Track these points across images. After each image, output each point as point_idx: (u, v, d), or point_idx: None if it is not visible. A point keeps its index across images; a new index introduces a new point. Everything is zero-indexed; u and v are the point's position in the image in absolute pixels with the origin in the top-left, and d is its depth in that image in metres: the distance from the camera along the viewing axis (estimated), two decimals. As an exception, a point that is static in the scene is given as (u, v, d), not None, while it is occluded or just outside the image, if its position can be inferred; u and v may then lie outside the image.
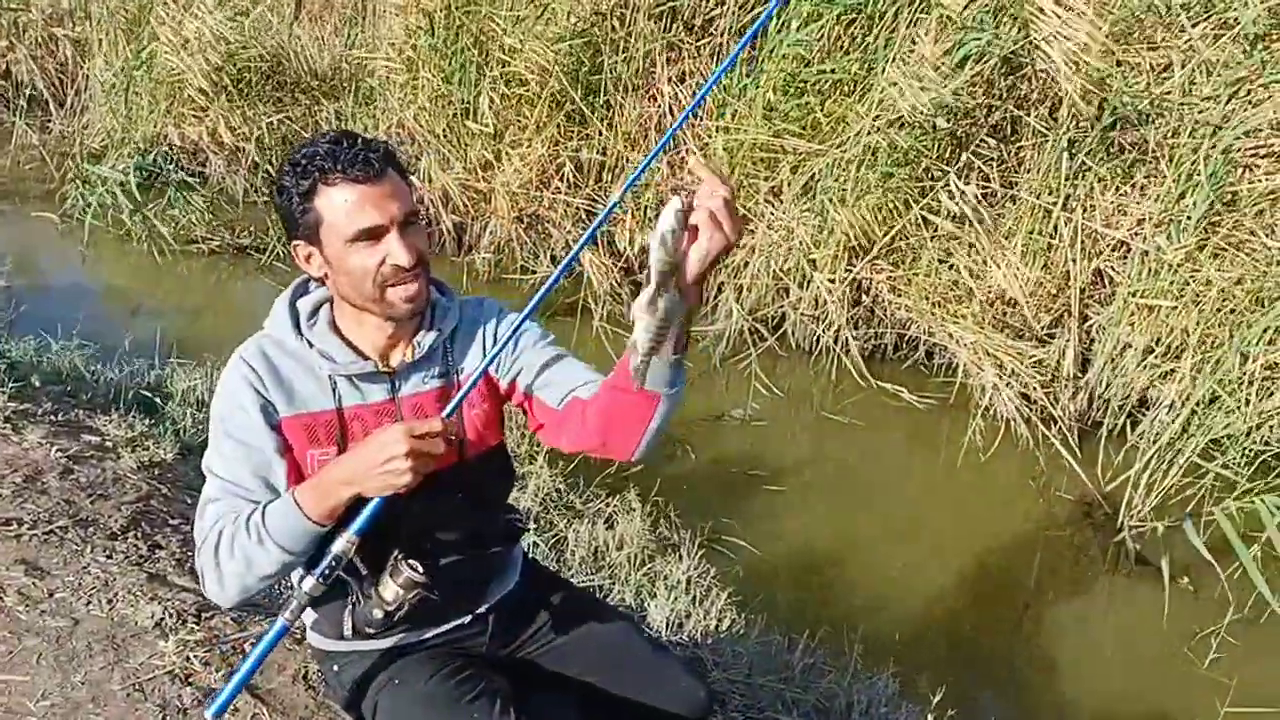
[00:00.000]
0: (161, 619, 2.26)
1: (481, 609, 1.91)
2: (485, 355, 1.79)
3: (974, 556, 4.27)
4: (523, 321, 1.75)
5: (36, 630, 2.17)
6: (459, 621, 1.89)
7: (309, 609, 1.71)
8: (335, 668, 1.86)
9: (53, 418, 3.46)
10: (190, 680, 2.07)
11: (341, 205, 1.60)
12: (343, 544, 1.58)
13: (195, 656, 2.14)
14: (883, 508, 4.63)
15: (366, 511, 1.56)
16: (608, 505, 3.83)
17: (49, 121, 8.41)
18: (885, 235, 5.50)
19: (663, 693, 1.93)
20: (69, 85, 8.52)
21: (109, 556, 2.55)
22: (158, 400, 3.97)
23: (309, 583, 1.59)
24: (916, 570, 4.15)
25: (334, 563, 1.58)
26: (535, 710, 1.83)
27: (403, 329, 1.75)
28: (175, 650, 2.14)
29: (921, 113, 5.19)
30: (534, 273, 6.36)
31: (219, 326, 5.42)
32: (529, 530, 3.45)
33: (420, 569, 1.65)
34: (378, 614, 1.67)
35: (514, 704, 1.75)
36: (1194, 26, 5.10)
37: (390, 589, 1.66)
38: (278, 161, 7.20)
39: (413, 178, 5.10)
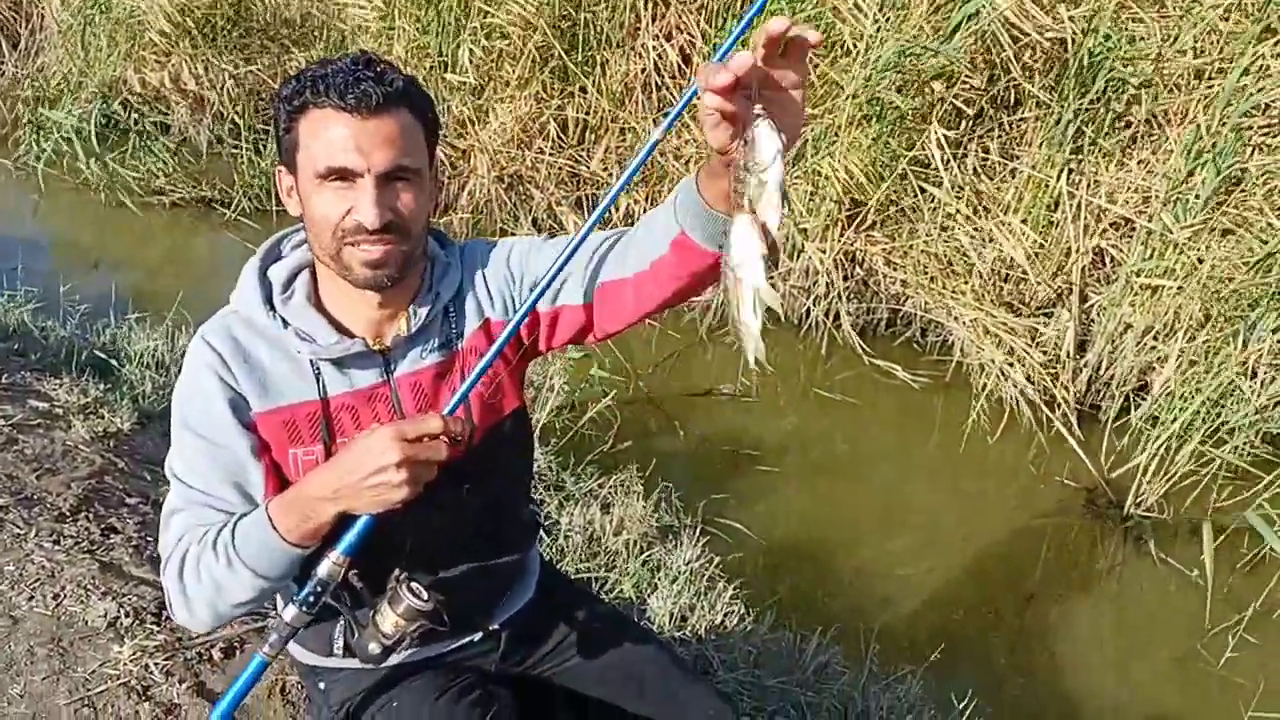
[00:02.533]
0: (116, 618, 2.00)
1: (494, 625, 1.67)
2: (482, 309, 1.52)
3: (978, 545, 4.11)
4: (544, 289, 1.41)
5: (-31, 631, 1.91)
6: (468, 639, 1.64)
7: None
8: (321, 685, 1.61)
9: (-4, 380, 3.16)
10: (149, 694, 1.81)
11: (321, 133, 1.31)
12: (329, 566, 1.31)
13: (155, 665, 1.87)
14: (882, 491, 4.44)
15: (355, 529, 1.30)
16: (601, 486, 3.58)
17: (1, 63, 7.99)
18: (877, 196, 5.28)
19: (689, 717, 1.71)
20: (23, 25, 8.09)
21: (56, 542, 2.27)
22: (113, 362, 3.66)
23: (290, 612, 1.33)
24: (921, 559, 3.97)
25: (319, 589, 1.32)
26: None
27: (395, 297, 1.44)
28: (131, 657, 1.87)
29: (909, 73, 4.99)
30: (514, 235, 6.08)
31: (179, 283, 5.09)
32: (543, 524, 3.23)
33: (424, 595, 1.37)
34: (374, 648, 1.40)
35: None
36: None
37: (389, 619, 1.38)
38: (243, 111, 6.90)
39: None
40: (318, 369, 1.42)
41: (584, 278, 1.46)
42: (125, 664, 1.86)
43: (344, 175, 1.32)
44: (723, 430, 4.56)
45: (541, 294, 1.41)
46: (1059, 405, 4.84)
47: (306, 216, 1.38)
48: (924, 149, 5.21)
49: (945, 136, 5.15)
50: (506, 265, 1.53)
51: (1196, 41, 4.91)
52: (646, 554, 3.26)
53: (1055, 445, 4.69)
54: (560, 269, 1.39)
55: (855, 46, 5.24)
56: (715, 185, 1.18)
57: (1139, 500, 4.31)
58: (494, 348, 1.37)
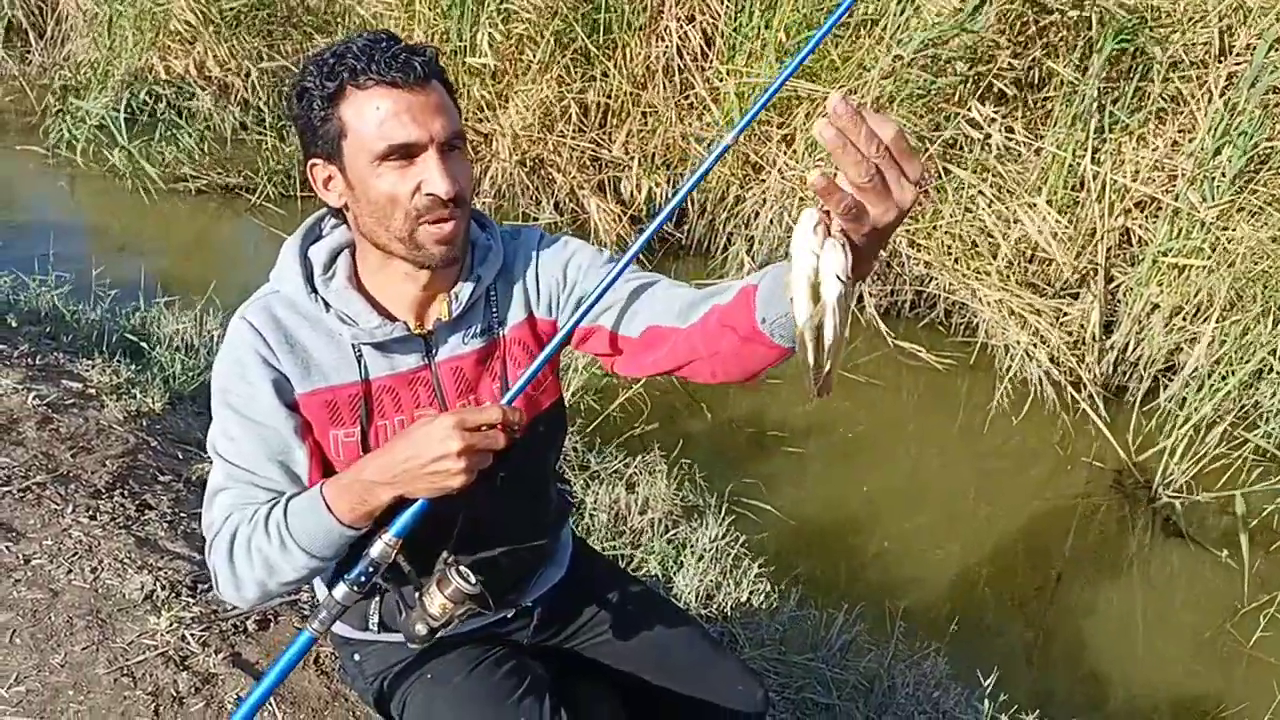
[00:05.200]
0: (152, 591, 2.02)
1: (527, 603, 1.68)
2: (529, 302, 1.51)
3: (1004, 526, 4.10)
4: (612, 282, 1.38)
5: (10, 603, 1.93)
6: (502, 615, 1.66)
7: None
8: (356, 656, 1.63)
9: (30, 361, 3.19)
10: (186, 664, 1.83)
11: (373, 114, 1.28)
12: (382, 548, 1.32)
13: (191, 635, 1.90)
14: (906, 473, 4.44)
15: (410, 513, 1.31)
16: (627, 466, 3.59)
17: (29, 52, 8.04)
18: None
19: (717, 692, 1.73)
20: (49, 14, 8.13)
21: (92, 517, 2.30)
22: (144, 345, 3.70)
23: (341, 590, 1.34)
24: (946, 539, 3.97)
25: (371, 569, 1.33)
26: (580, 703, 1.62)
27: (439, 279, 1.43)
28: (168, 628, 1.90)
29: (936, 51, 4.95)
30: (536, 219, 6.09)
31: (206, 269, 5.14)
32: (576, 504, 3.24)
33: (472, 579, 1.37)
34: (421, 629, 1.40)
35: (560, 699, 1.53)
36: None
37: (436, 601, 1.38)
38: (268, 98, 6.93)
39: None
40: (359, 351, 1.41)
41: (628, 311, 1.44)
42: (163, 635, 1.88)
43: (406, 152, 1.30)
44: (746, 412, 4.57)
45: (586, 313, 1.40)
46: (1084, 386, 4.82)
47: (365, 203, 1.35)
48: (948, 129, 5.19)
49: (971, 116, 5.12)
50: (564, 268, 1.50)
51: (1222, 18, 4.87)
52: (672, 532, 3.27)
53: (1081, 427, 4.67)
54: (610, 285, 1.38)
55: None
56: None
57: (1167, 482, 4.29)
58: (541, 356, 1.37)
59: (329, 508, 1.31)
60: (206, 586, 2.09)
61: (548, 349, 1.38)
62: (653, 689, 1.73)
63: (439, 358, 1.46)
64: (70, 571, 2.06)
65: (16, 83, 7.49)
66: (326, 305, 1.41)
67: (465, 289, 1.46)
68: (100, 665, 1.80)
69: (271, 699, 1.76)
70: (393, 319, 1.43)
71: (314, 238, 1.49)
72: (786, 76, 1.36)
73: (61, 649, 1.83)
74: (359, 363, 1.42)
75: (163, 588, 2.04)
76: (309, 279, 1.43)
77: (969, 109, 5.11)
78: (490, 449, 1.24)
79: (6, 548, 2.10)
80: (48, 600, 1.95)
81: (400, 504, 1.31)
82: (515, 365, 1.49)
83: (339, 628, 1.63)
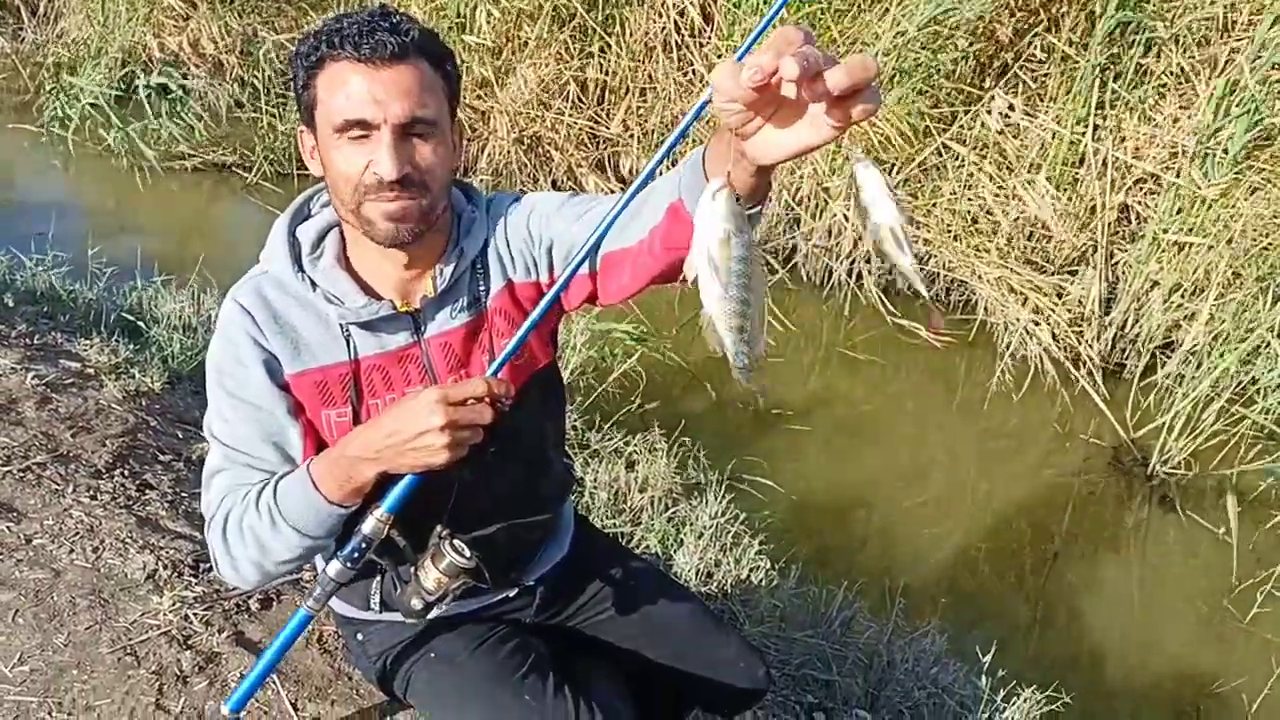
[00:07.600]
0: (154, 571, 2.02)
1: (529, 581, 1.68)
2: (506, 269, 1.48)
3: (1003, 503, 4.11)
4: (589, 254, 1.36)
5: (12, 583, 1.93)
6: (504, 594, 1.66)
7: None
8: (359, 636, 1.63)
9: (28, 341, 3.18)
10: (190, 643, 1.83)
11: (337, 87, 1.28)
12: (373, 524, 1.33)
13: (194, 615, 1.90)
14: (905, 450, 4.44)
15: (400, 487, 1.31)
16: (627, 444, 3.59)
17: (21, 30, 7.99)
18: (917, 158, 5.24)
19: (719, 669, 1.73)
20: (42, -9, 8.09)
21: (93, 497, 2.29)
22: (141, 324, 3.68)
23: (335, 567, 1.36)
24: (945, 517, 3.97)
25: (364, 545, 1.34)
26: (583, 681, 1.62)
27: (422, 255, 1.42)
28: (171, 607, 1.90)
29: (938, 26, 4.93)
30: (534, 197, 6.06)
31: (202, 247, 5.11)
32: (578, 479, 3.24)
33: (467, 553, 1.38)
34: (416, 603, 1.40)
35: (563, 677, 1.53)
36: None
37: (431, 575, 1.39)
38: (263, 75, 6.90)
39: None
40: (347, 331, 1.40)
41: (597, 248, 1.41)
42: (165, 614, 1.88)
43: (362, 128, 1.28)
44: (746, 389, 4.55)
45: (574, 274, 1.38)
46: (1084, 363, 4.82)
47: (327, 174, 1.35)
48: (949, 105, 5.17)
49: (969, 93, 5.11)
50: (527, 225, 1.49)
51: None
52: (672, 510, 3.27)
53: (1080, 404, 4.68)
54: (596, 245, 1.36)
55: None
56: (719, 168, 1.08)
57: (1165, 458, 4.29)
58: (528, 322, 1.36)
59: (316, 485, 1.31)
60: (208, 566, 2.09)
61: (529, 319, 1.37)
62: (655, 666, 1.73)
63: (428, 334, 1.45)
64: (72, 551, 2.06)
65: (9, 60, 7.46)
66: (313, 285, 1.41)
67: (449, 264, 1.44)
68: (103, 645, 1.80)
69: (275, 677, 1.76)
70: (379, 298, 1.42)
71: (303, 217, 1.48)
72: (766, 24, 1.35)
73: (64, 629, 1.83)
74: (348, 342, 1.41)
75: (165, 567, 2.04)
76: (296, 259, 1.42)
77: (968, 86, 5.09)
78: (476, 423, 1.24)
79: (8, 528, 2.10)
80: (50, 580, 1.95)
81: (390, 480, 1.31)
82: (500, 336, 1.47)
83: (342, 607, 1.63)
